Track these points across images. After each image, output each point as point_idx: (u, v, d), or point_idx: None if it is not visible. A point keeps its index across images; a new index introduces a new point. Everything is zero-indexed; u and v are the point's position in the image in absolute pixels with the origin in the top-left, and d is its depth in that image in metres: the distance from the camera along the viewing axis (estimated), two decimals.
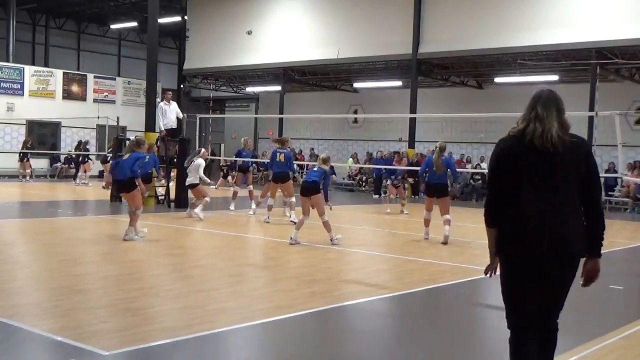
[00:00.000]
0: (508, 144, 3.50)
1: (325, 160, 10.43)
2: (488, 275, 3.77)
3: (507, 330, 5.86)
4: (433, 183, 11.36)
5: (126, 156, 10.07)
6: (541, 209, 3.39)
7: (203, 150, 13.82)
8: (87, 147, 24.83)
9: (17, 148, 25.26)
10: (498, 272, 3.72)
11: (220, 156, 30.30)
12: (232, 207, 15.12)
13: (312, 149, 29.38)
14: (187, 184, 13.48)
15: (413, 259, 9.41)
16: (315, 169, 10.42)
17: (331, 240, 10.22)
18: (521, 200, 3.42)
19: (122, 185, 10.17)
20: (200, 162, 13.23)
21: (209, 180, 13.99)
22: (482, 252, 10.56)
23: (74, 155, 25.77)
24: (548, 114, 3.44)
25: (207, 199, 13.28)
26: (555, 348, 3.67)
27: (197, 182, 13.21)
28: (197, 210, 13.00)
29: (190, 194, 14.00)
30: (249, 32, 24.30)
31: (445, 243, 10.82)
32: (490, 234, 3.57)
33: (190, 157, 13.56)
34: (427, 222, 11.44)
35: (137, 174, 9.95)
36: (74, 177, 24.63)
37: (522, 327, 3.59)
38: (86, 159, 24.01)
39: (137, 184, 9.98)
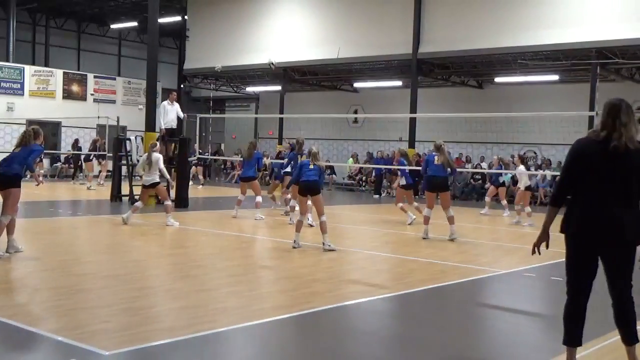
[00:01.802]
0: (585, 145, 4.22)
1: (317, 156, 10.00)
2: (534, 253, 4.45)
3: (506, 331, 5.88)
4: (433, 176, 11.41)
5: (18, 149, 8.44)
6: (602, 203, 4.12)
7: (158, 144, 12.91)
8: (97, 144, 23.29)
9: None
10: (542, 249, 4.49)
11: (223, 156, 30.36)
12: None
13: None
14: (147, 184, 12.20)
15: (413, 259, 9.41)
16: (310, 166, 9.86)
17: (324, 244, 9.59)
18: (587, 193, 4.16)
19: (3, 180, 8.17)
20: (159, 156, 12.32)
21: (168, 177, 13.40)
22: (482, 251, 10.61)
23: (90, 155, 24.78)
24: (629, 121, 4.12)
25: (168, 202, 12.45)
26: (635, 319, 4.30)
27: (159, 180, 12.31)
28: (170, 221, 11.98)
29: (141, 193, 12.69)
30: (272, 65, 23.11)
31: (452, 240, 11.07)
32: (551, 212, 4.34)
33: (147, 154, 12.46)
34: (426, 220, 11.44)
35: (33, 168, 8.48)
36: (74, 177, 24.58)
37: (573, 293, 4.35)
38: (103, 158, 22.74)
39: (18, 184, 8.29)
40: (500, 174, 17.18)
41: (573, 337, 4.36)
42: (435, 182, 11.47)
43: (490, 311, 6.75)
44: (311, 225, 12.04)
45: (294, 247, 9.71)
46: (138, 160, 19.08)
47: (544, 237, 4.37)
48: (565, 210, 4.33)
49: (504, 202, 16.86)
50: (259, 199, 13.90)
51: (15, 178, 8.21)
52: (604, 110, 4.25)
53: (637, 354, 4.36)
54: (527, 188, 15.08)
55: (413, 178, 15.06)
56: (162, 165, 12.34)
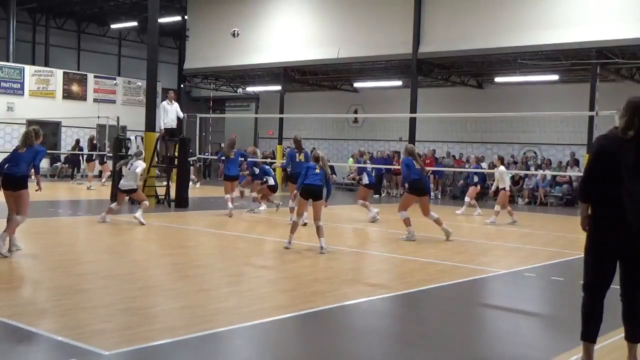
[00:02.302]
0: (613, 143, 4.25)
1: (324, 160, 9.89)
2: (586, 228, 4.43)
3: (506, 331, 5.87)
4: (419, 179, 11.32)
5: (23, 149, 8.47)
6: (633, 201, 4.12)
7: (144, 153, 12.89)
8: (95, 143, 23.31)
9: None
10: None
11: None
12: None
13: (314, 148, 29.37)
14: (124, 189, 12.36)
15: (413, 258, 9.41)
16: (317, 170, 9.73)
17: (321, 247, 9.39)
18: (616, 192, 4.16)
19: (13, 181, 8.30)
20: (141, 164, 12.43)
21: (140, 184, 13.38)
22: (482, 251, 10.60)
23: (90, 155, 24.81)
24: None
25: (146, 202, 12.41)
26: None
27: (136, 187, 12.43)
28: (138, 214, 11.91)
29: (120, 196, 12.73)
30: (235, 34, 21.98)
31: (448, 238, 11.11)
32: (584, 207, 4.39)
33: (130, 159, 12.57)
34: (408, 221, 11.25)
35: (39, 170, 8.63)
36: (72, 177, 24.58)
37: (591, 293, 4.36)
38: (104, 160, 22.71)
39: (27, 184, 8.41)
40: (476, 173, 17.20)
41: (589, 333, 4.39)
42: (421, 186, 11.39)
43: (490, 311, 6.75)
44: (305, 224, 11.70)
45: (286, 248, 9.60)
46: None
47: (585, 222, 4.42)
48: (593, 210, 4.35)
49: (473, 201, 16.80)
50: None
51: (23, 179, 8.34)
52: (627, 109, 4.27)
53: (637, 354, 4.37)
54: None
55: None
56: (139, 173, 12.50)
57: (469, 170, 17.77)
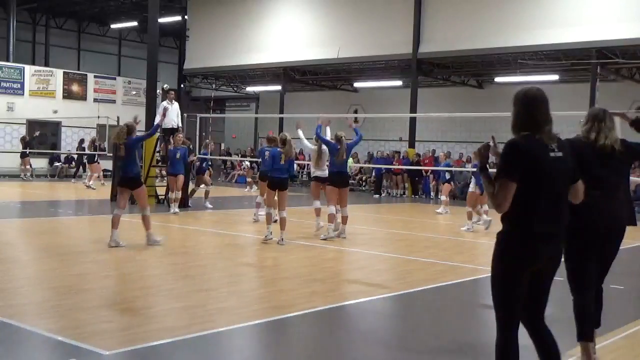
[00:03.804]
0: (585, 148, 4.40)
1: (289, 143, 10.01)
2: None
3: None
4: (336, 171, 10.82)
5: (122, 151, 9.35)
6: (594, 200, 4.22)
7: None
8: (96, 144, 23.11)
9: (17, 148, 25.23)
10: None
11: (230, 155, 30.33)
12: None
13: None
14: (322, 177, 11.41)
15: (413, 258, 9.41)
16: (281, 162, 9.94)
17: (281, 239, 9.85)
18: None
19: (129, 182, 9.42)
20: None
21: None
22: (482, 251, 10.59)
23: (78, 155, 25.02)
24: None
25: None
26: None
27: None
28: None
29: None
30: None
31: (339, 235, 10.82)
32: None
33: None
34: (332, 217, 10.76)
35: (138, 163, 9.63)
36: (75, 176, 24.56)
37: (579, 291, 4.55)
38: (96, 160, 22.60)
39: (140, 181, 9.54)
40: (452, 171, 17.18)
41: (585, 332, 4.45)
42: (340, 176, 10.86)
43: (491, 311, 6.73)
44: (275, 221, 11.03)
45: (266, 240, 9.83)
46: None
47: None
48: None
49: (446, 198, 16.67)
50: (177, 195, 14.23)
51: (136, 178, 9.39)
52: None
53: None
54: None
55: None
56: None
57: (441, 168, 17.64)
